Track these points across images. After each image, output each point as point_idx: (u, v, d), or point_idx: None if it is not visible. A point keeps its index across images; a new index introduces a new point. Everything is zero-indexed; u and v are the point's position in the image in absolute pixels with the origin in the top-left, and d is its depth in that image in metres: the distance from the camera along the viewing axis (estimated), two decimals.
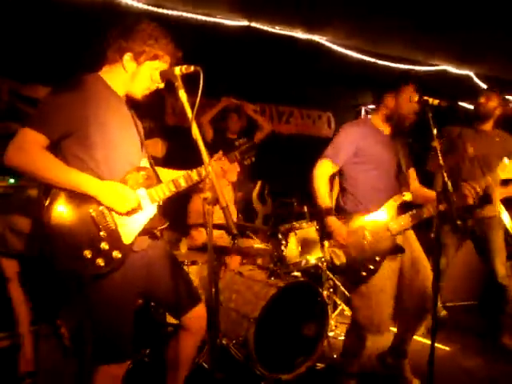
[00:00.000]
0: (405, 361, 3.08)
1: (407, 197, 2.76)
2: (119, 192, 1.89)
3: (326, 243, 2.88)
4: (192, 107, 1.76)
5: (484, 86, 5.01)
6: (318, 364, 3.39)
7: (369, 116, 3.00)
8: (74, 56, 3.69)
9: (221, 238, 3.80)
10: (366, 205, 2.82)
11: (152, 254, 2.15)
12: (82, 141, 1.90)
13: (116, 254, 1.90)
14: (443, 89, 4.07)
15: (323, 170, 2.86)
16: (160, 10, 3.12)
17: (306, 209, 4.15)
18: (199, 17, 3.25)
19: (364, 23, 3.55)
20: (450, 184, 2.35)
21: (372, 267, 2.73)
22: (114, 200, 1.88)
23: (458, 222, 2.35)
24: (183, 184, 2.13)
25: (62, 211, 1.84)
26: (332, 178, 3.02)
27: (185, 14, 3.17)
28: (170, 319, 3.11)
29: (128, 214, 1.94)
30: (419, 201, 2.95)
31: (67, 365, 2.51)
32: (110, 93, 2.03)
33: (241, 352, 3.18)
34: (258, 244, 4.01)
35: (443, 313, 4.57)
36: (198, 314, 2.25)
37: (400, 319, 3.05)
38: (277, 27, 3.54)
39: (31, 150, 1.78)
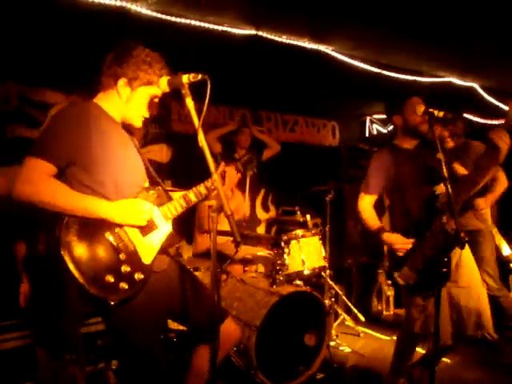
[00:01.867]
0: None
1: (438, 189, 2.70)
2: (132, 206, 1.89)
3: (396, 273, 2.86)
4: (199, 115, 1.78)
5: (488, 98, 5.04)
6: (319, 373, 3.39)
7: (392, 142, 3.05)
8: (83, 61, 3.73)
9: (225, 244, 3.81)
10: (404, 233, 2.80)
11: (171, 274, 2.14)
12: (88, 167, 1.89)
13: (138, 275, 1.88)
14: (447, 100, 4.09)
15: (363, 203, 2.99)
16: (168, 18, 3.15)
17: (308, 217, 4.15)
18: (207, 25, 3.27)
19: (370, 34, 3.57)
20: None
21: (444, 270, 2.52)
22: (129, 215, 1.88)
23: (462, 235, 2.35)
24: (194, 199, 2.14)
25: (77, 242, 1.79)
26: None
27: (193, 22, 3.20)
28: (173, 325, 3.12)
29: (146, 225, 1.94)
30: None
31: (65, 372, 2.52)
32: (108, 118, 2.03)
33: (242, 360, 3.18)
34: (260, 252, 4.02)
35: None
36: (225, 331, 2.13)
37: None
38: (283, 37, 3.56)
39: (39, 180, 1.77)
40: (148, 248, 1.96)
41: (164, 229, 2.03)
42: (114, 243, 1.86)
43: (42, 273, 2.48)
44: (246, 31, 3.41)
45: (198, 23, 3.24)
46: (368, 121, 6.29)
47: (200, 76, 1.81)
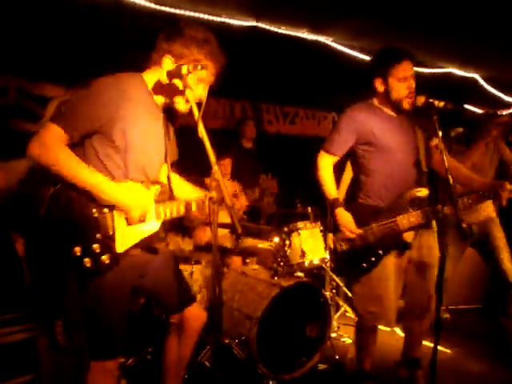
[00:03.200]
0: (419, 373, 2.94)
1: (422, 193, 2.64)
2: (134, 197, 1.90)
3: (332, 235, 2.84)
4: (199, 107, 1.77)
5: (490, 89, 5.02)
6: (320, 365, 3.40)
7: (371, 99, 2.78)
8: (82, 54, 3.71)
9: (225, 237, 3.81)
10: (376, 198, 2.74)
11: (152, 255, 2.13)
12: (104, 141, 1.90)
13: (105, 258, 1.87)
14: (449, 91, 4.07)
15: (323, 161, 2.80)
16: (165, 9, 3.11)
17: (309, 210, 4.14)
18: (205, 16, 3.24)
19: (369, 25, 3.54)
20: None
21: (373, 259, 2.69)
22: (129, 204, 1.89)
23: (464, 225, 2.33)
24: (194, 209, 2.09)
25: (66, 202, 1.83)
26: (342, 165, 2.99)
27: (191, 14, 3.17)
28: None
29: (140, 218, 1.93)
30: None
31: (66, 364, 2.52)
32: (143, 96, 1.99)
33: (243, 351, 3.19)
34: (261, 244, 4.01)
35: (445, 315, 4.58)
36: (191, 314, 2.25)
37: (404, 321, 3.00)
38: (283, 27, 3.53)
39: (53, 145, 1.78)
40: (126, 238, 1.94)
41: (150, 226, 2.00)
42: (96, 221, 1.86)
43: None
44: (245, 22, 3.38)
45: (196, 14, 3.21)
46: None
47: (200, 67, 1.80)
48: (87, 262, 1.83)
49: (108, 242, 1.88)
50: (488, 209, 3.73)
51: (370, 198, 2.77)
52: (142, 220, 1.95)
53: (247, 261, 4.02)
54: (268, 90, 5.04)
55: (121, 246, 1.92)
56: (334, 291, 4.15)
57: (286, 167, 5.24)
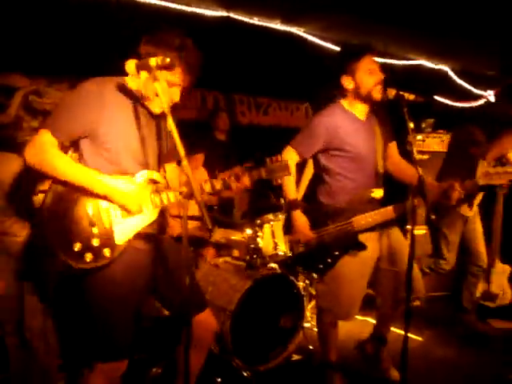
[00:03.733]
0: (383, 349, 3.11)
1: (376, 194, 2.72)
2: (130, 193, 1.93)
3: (288, 236, 2.89)
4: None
5: (460, 82, 5.10)
6: (294, 355, 3.43)
7: (340, 101, 2.81)
8: (48, 44, 3.61)
9: (198, 227, 3.78)
10: (338, 198, 2.79)
11: (162, 254, 2.14)
12: (93, 142, 1.93)
13: (106, 251, 1.90)
14: (419, 83, 4.12)
15: (289, 158, 2.74)
16: None
17: (282, 201, 4.15)
18: (177, 6, 3.18)
19: (342, 16, 3.54)
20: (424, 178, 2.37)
21: (330, 260, 2.75)
22: (126, 200, 1.92)
23: (432, 217, 2.38)
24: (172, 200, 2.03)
25: (59, 199, 1.87)
26: (303, 164, 3.01)
27: (163, 3, 3.10)
28: None
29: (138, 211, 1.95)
30: (399, 175, 2.92)
31: (36, 363, 2.48)
32: (127, 99, 2.00)
33: (217, 344, 3.19)
34: (234, 236, 4.00)
35: (416, 303, 4.67)
36: (201, 322, 2.19)
37: (378, 310, 3.10)
38: (255, 18, 3.50)
39: (46, 151, 1.83)
40: (125, 230, 1.96)
41: (148, 215, 2.00)
42: (91, 216, 1.89)
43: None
44: (217, 13, 3.33)
45: (167, 4, 3.14)
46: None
47: (168, 60, 1.76)
48: (89, 256, 1.86)
49: (106, 236, 1.91)
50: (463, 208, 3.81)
51: (331, 198, 2.81)
52: (139, 211, 1.96)
53: (220, 253, 4.00)
54: (241, 81, 5.00)
55: (120, 239, 1.94)
56: (306, 282, 4.17)
57: (259, 159, 5.23)
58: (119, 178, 1.95)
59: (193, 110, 4.98)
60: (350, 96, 2.76)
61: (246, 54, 4.12)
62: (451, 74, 4.95)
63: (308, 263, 2.89)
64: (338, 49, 4.10)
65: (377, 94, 2.65)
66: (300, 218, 2.74)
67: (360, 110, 2.78)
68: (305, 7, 3.39)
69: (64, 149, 1.96)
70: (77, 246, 1.85)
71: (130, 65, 1.88)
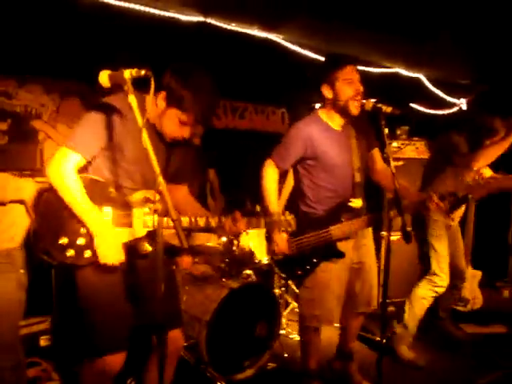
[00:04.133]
0: (351, 364, 3.15)
1: (355, 203, 2.75)
2: (111, 246, 1.99)
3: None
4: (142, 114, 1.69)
5: (434, 90, 5.17)
6: (270, 364, 3.42)
7: (318, 111, 2.85)
8: (24, 43, 3.51)
9: (174, 236, 3.72)
10: (317, 208, 2.82)
11: (144, 265, 2.17)
12: (108, 153, 2.05)
13: (88, 253, 1.98)
14: (395, 90, 4.15)
15: (270, 171, 2.81)
16: (112, 2, 2.95)
17: (258, 208, 4.11)
18: (152, 10, 3.11)
19: (320, 24, 3.54)
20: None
21: (308, 267, 2.79)
22: (104, 249, 1.98)
23: (408, 229, 2.39)
24: (185, 225, 2.08)
25: (58, 197, 1.98)
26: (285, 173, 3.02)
27: (137, 7, 3.03)
28: None
29: (121, 221, 2.04)
30: (384, 182, 2.94)
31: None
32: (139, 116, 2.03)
33: (192, 355, 3.15)
34: (209, 242, 3.96)
35: (390, 308, 4.73)
36: (173, 335, 2.18)
37: (343, 319, 3.12)
38: (233, 24, 3.46)
39: (62, 169, 1.96)
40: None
41: (135, 232, 2.05)
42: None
43: None
44: (193, 18, 3.28)
45: (142, 8, 3.07)
46: (317, 107, 6.27)
47: (143, 72, 1.72)
48: (71, 252, 1.96)
49: (92, 238, 1.99)
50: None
51: (310, 207, 2.85)
52: (128, 225, 2.04)
53: (196, 260, 3.95)
54: (217, 85, 4.94)
55: None
56: (282, 289, 4.16)
57: (234, 163, 5.19)
58: (110, 225, 2.01)
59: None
60: (328, 106, 2.78)
61: (223, 59, 4.06)
62: (426, 81, 5.02)
63: (287, 269, 2.92)
64: (316, 56, 4.10)
65: (353, 109, 2.66)
66: (280, 238, 2.72)
67: (336, 121, 2.80)
68: (284, 14, 3.37)
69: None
70: (62, 239, 1.95)
71: (103, 76, 1.81)
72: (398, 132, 4.67)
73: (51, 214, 1.99)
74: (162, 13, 3.13)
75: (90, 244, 1.99)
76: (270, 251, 2.87)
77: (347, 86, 2.64)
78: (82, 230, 1.99)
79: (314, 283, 2.83)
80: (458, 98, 5.50)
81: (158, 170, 1.61)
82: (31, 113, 4.11)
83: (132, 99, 1.71)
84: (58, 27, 3.43)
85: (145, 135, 1.65)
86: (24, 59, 3.67)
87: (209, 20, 3.31)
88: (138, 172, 2.09)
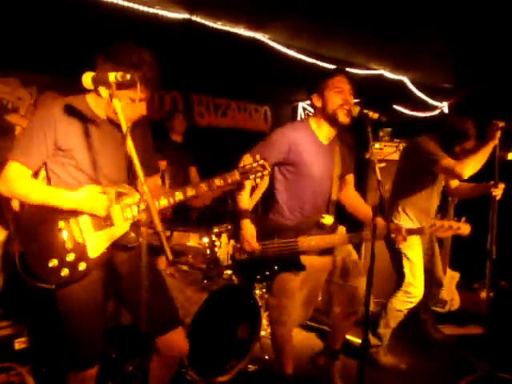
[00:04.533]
0: (336, 363, 3.14)
1: (326, 220, 2.74)
2: (95, 197, 1.98)
3: (232, 241, 2.88)
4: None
5: (417, 92, 5.21)
6: (250, 366, 3.40)
7: (309, 119, 2.82)
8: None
9: (154, 235, 3.66)
10: (286, 216, 2.81)
11: (129, 268, 2.17)
12: (58, 160, 2.02)
13: (81, 265, 1.98)
14: (379, 92, 4.15)
15: None
16: None
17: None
18: (137, 6, 3.03)
19: (307, 25, 3.51)
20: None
21: (268, 273, 2.78)
22: (94, 206, 1.97)
23: (392, 236, 2.39)
24: (165, 204, 2.02)
25: (33, 217, 1.98)
26: None
27: (124, 3, 2.94)
28: None
29: (101, 221, 2.01)
30: (350, 209, 2.97)
31: None
32: (89, 116, 2.04)
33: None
34: (189, 241, 3.90)
35: (376, 308, 4.76)
36: (173, 340, 2.22)
37: (332, 321, 3.11)
38: (219, 23, 3.40)
39: (14, 180, 1.95)
40: (97, 243, 2.02)
41: (119, 228, 2.03)
42: (63, 233, 1.96)
43: None
44: (179, 15, 3.21)
45: (126, 3, 2.99)
46: (300, 107, 6.27)
47: (129, 76, 1.66)
48: (65, 271, 1.94)
49: (80, 250, 1.98)
50: None
51: (280, 215, 2.83)
52: (110, 224, 2.01)
53: (176, 260, 3.90)
54: (200, 82, 4.89)
55: (93, 252, 2.01)
56: (263, 290, 4.14)
57: (216, 161, 5.12)
58: (84, 188, 2.00)
59: (149, 110, 4.81)
60: (317, 115, 2.76)
61: (208, 56, 4.02)
62: (409, 84, 5.04)
63: (247, 272, 2.91)
64: (302, 57, 4.07)
65: (342, 117, 2.64)
66: (248, 228, 2.72)
67: (325, 133, 2.77)
68: (269, 14, 3.33)
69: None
70: (51, 262, 1.92)
71: (87, 78, 1.74)
72: (381, 134, 4.68)
73: (34, 231, 1.97)
74: (147, 9, 3.04)
75: (80, 256, 1.98)
76: (237, 249, 2.83)
77: (336, 94, 2.63)
78: (68, 245, 1.97)
79: (280, 292, 2.83)
80: (441, 102, 5.56)
81: (142, 179, 1.56)
82: (7, 106, 3.99)
83: (116, 103, 1.65)
84: (37, 19, 3.34)
85: (129, 142, 1.59)
86: (0, 51, 3.55)
87: (194, 18, 3.23)
88: (100, 173, 2.06)
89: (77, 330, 2.06)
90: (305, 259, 2.75)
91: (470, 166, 3.16)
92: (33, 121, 2.05)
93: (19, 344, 3.19)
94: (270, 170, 2.27)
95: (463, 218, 2.76)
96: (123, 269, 2.19)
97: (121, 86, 1.77)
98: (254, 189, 2.98)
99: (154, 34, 3.24)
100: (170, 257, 1.49)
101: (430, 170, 3.44)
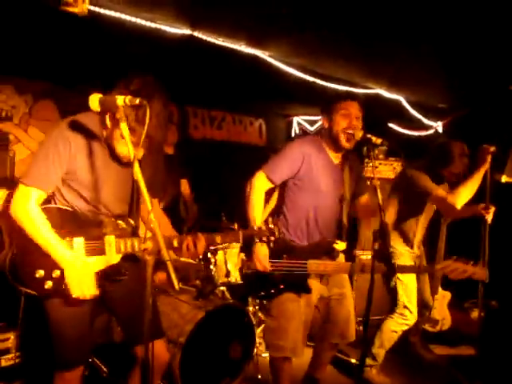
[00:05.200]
0: None
1: (339, 246, 2.72)
2: (83, 279, 1.95)
3: (242, 254, 2.84)
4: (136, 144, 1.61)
5: (412, 112, 5.25)
6: None
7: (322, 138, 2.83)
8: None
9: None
10: (294, 234, 2.78)
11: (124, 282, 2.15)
12: (67, 178, 2.01)
13: (65, 284, 1.96)
14: (376, 110, 4.17)
15: (259, 184, 2.72)
16: (97, 9, 2.82)
17: (236, 226, 4.04)
18: (139, 21, 3.00)
19: (309, 44, 3.52)
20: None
21: (273, 291, 2.73)
22: (75, 283, 1.95)
23: (392, 262, 2.39)
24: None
25: (21, 235, 1.95)
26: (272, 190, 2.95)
27: (123, 16, 2.91)
28: None
29: (94, 249, 2.00)
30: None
31: None
32: (99, 136, 2.01)
33: (165, 378, 3.05)
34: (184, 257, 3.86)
35: (362, 327, 4.74)
36: (158, 350, 2.17)
37: (315, 350, 3.11)
38: (220, 39, 3.39)
39: (23, 207, 1.93)
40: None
41: (109, 258, 2.03)
42: None
43: None
44: (180, 30, 3.20)
45: (128, 18, 2.96)
46: (295, 121, 6.28)
47: (138, 101, 1.63)
48: (49, 284, 1.95)
49: None
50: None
51: (287, 232, 2.79)
52: (102, 252, 2.01)
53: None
54: (196, 94, 4.87)
55: None
56: (256, 307, 4.10)
57: (210, 174, 5.10)
58: (78, 258, 1.98)
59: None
60: (325, 136, 2.78)
61: (205, 70, 4.00)
62: (405, 103, 5.09)
63: (252, 286, 2.85)
64: (301, 75, 4.08)
65: (343, 141, 2.66)
66: (262, 250, 2.65)
67: (334, 153, 2.80)
68: (270, 32, 3.33)
69: None
70: (38, 273, 1.93)
71: (94, 100, 1.71)
72: (376, 152, 4.68)
73: (26, 240, 1.94)
74: (150, 24, 3.02)
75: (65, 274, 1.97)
76: (247, 265, 2.79)
77: (342, 118, 2.65)
78: (55, 261, 1.96)
79: (279, 312, 2.77)
80: (435, 121, 5.61)
81: (150, 206, 1.53)
82: (1, 115, 3.93)
83: (124, 128, 1.62)
84: (35, 26, 3.28)
85: (136, 167, 1.56)
86: None
87: (196, 33, 3.21)
88: (99, 199, 2.05)
89: (63, 333, 2.08)
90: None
91: (463, 195, 3.17)
92: (47, 143, 2.00)
93: (5, 361, 3.13)
94: (278, 236, 2.35)
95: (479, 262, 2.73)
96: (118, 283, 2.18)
97: (116, 122, 1.73)
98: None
99: (156, 48, 3.24)
100: (177, 287, 1.46)
101: (423, 200, 3.48)
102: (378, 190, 2.38)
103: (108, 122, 1.93)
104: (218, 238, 2.18)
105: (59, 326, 2.08)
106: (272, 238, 2.24)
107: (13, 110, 4.02)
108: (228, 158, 5.33)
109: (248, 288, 2.95)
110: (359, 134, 2.53)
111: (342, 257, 2.92)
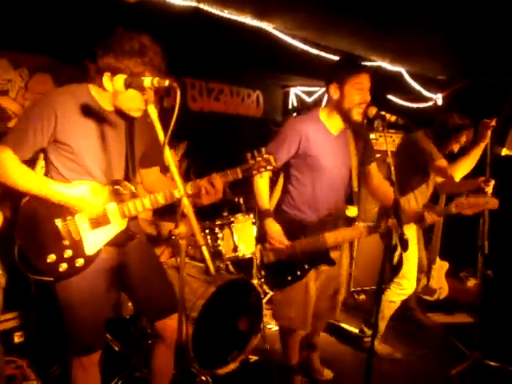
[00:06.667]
0: (314, 354, 3.29)
1: (351, 212, 2.70)
2: (85, 201, 1.96)
3: (260, 246, 2.84)
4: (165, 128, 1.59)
5: (413, 83, 5.24)
6: (252, 356, 3.45)
7: (319, 110, 2.77)
8: None
9: (149, 223, 3.62)
10: (303, 211, 2.78)
11: (132, 255, 2.22)
12: (56, 150, 1.97)
13: (79, 261, 1.99)
14: (377, 82, 4.15)
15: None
16: None
17: (241, 201, 4.06)
18: None
19: (315, 17, 3.46)
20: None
21: (299, 273, 2.75)
22: (82, 208, 1.97)
23: (405, 237, 2.42)
24: (161, 201, 2.02)
25: (33, 215, 1.97)
26: (277, 173, 2.93)
27: None
28: None
29: (97, 219, 2.00)
30: (381, 197, 2.94)
31: None
32: (93, 107, 1.98)
33: (177, 351, 3.10)
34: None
35: (362, 297, 4.87)
36: (172, 323, 2.26)
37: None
38: (225, 11, 3.31)
39: (6, 165, 1.89)
40: (94, 240, 2.02)
41: (116, 226, 2.04)
42: (61, 230, 1.96)
43: None
44: (186, 2, 3.11)
45: None
46: (292, 92, 6.22)
47: (167, 82, 1.60)
48: (62, 266, 1.96)
49: (77, 247, 1.99)
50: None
51: (296, 209, 2.80)
52: (107, 222, 2.01)
53: (176, 251, 3.86)
54: (195, 66, 4.77)
55: (90, 249, 2.02)
56: (262, 280, 4.15)
57: (210, 147, 5.05)
58: (76, 184, 1.99)
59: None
60: (331, 106, 2.70)
61: (206, 43, 3.91)
62: (406, 75, 5.06)
63: (277, 274, 2.83)
64: (306, 48, 4.01)
65: (356, 115, 2.60)
66: (274, 226, 2.69)
67: (335, 125, 2.73)
68: (275, 4, 3.25)
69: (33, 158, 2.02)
70: (49, 257, 1.94)
71: (118, 81, 1.68)
72: (375, 124, 4.68)
73: (32, 227, 1.96)
74: None
75: (77, 253, 1.99)
76: (265, 250, 2.78)
77: (356, 92, 2.56)
78: (65, 242, 1.97)
79: (292, 287, 2.78)
80: (435, 93, 5.61)
81: (182, 189, 1.52)
82: None
83: (151, 110, 1.59)
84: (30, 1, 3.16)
85: (167, 152, 1.54)
86: None
87: (202, 6, 3.13)
88: (95, 166, 2.03)
89: (78, 316, 2.07)
90: None
91: (462, 169, 3.25)
92: (31, 109, 1.98)
93: (18, 337, 3.16)
94: (275, 164, 2.21)
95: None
96: (130, 258, 2.22)
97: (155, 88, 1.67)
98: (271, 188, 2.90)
99: (160, 20, 3.15)
100: (213, 271, 1.47)
101: (425, 167, 3.51)
102: (392, 168, 2.40)
103: (107, 83, 1.90)
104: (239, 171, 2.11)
105: (73, 308, 2.06)
106: (269, 168, 2.15)
107: (8, 84, 3.90)
108: (225, 130, 5.28)
109: (274, 275, 2.87)
110: (373, 112, 2.51)
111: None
